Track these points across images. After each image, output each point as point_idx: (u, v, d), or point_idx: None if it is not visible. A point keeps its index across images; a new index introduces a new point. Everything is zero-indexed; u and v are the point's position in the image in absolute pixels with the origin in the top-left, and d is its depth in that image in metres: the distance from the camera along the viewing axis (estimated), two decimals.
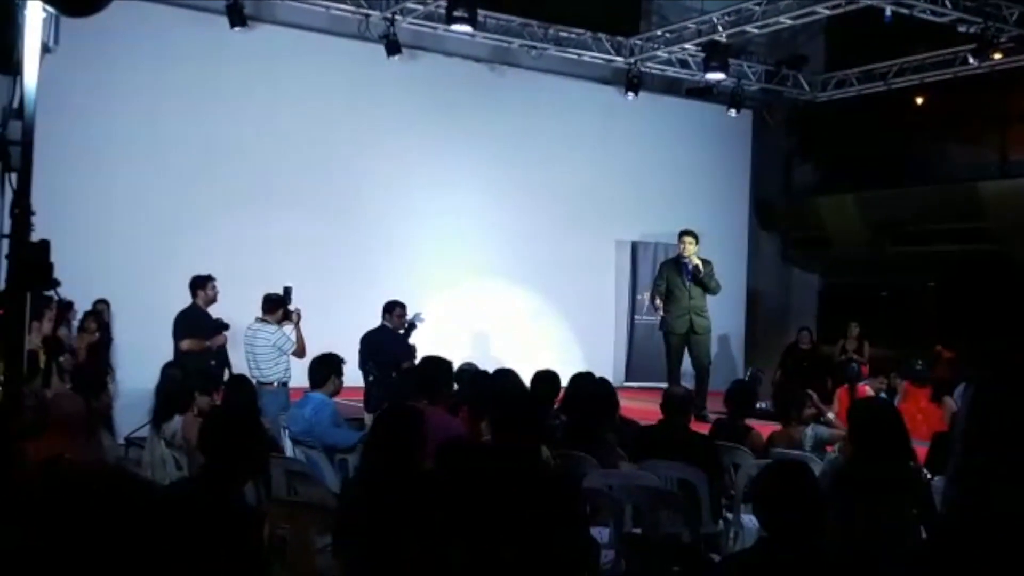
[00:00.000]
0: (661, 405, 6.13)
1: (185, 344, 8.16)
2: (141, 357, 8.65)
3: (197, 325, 8.29)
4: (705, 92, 13.97)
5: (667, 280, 9.69)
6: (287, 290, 8.06)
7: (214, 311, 8.46)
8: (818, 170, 15.59)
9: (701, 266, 9.67)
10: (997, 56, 11.43)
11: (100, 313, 9.29)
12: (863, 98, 13.88)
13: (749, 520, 5.87)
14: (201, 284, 8.44)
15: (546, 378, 6.41)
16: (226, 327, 8.36)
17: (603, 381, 6.59)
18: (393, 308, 8.78)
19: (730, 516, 5.93)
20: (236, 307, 8.54)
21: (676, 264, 9.77)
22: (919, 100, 14.62)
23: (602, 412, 6.24)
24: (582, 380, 6.40)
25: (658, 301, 9.93)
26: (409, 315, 8.90)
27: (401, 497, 3.82)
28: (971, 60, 11.36)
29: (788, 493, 2.92)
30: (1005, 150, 13.42)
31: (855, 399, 8.21)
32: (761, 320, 15.01)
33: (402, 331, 8.77)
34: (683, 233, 9.79)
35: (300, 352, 7.97)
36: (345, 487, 4.73)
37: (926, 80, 12.96)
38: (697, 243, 9.74)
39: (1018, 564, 2.82)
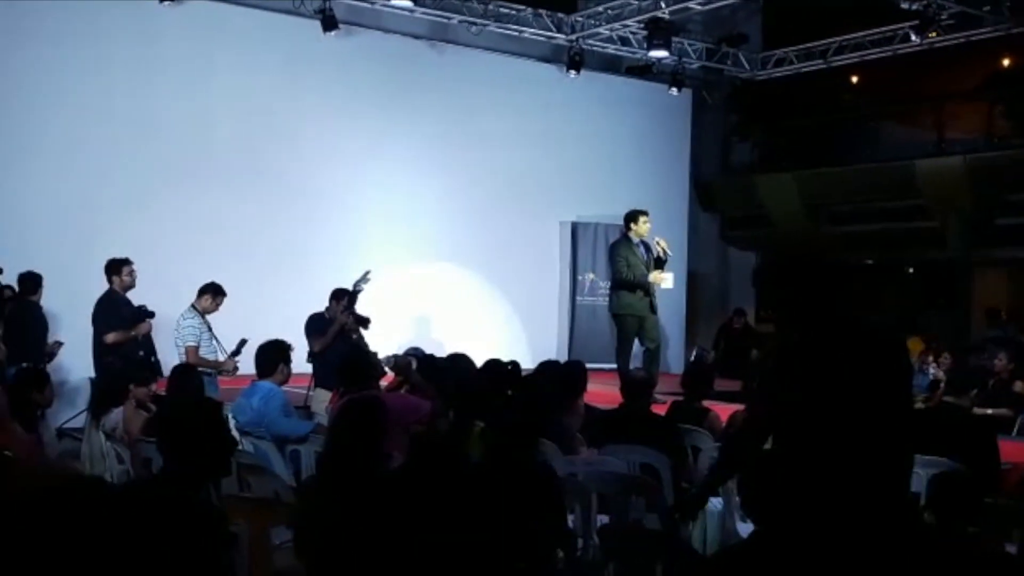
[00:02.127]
0: (621, 389, 6.03)
1: (110, 337, 7.69)
2: (70, 344, 8.31)
3: (118, 314, 7.79)
4: (645, 71, 13.90)
5: (626, 260, 9.51)
6: (242, 343, 7.47)
7: (148, 292, 8.08)
8: (757, 149, 15.68)
9: (667, 247, 9.62)
10: (933, 34, 11.52)
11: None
12: (802, 76, 13.95)
13: (712, 503, 5.81)
14: (116, 269, 7.89)
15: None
16: (150, 314, 7.88)
17: (574, 363, 6.50)
18: (338, 298, 8.48)
19: None
20: (168, 289, 8.25)
21: (630, 243, 9.61)
22: (856, 78, 14.77)
23: (561, 397, 6.14)
24: (546, 367, 6.28)
25: (654, 275, 9.64)
26: (357, 279, 8.53)
27: (368, 491, 3.65)
28: (913, 37, 11.42)
29: (777, 487, 2.79)
30: (941, 128, 13.60)
31: None
32: (700, 300, 15.04)
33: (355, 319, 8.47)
34: (642, 213, 9.64)
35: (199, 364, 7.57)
36: (306, 482, 4.51)
37: (865, 58, 13.04)
38: None
39: None
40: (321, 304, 8.55)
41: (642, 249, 9.57)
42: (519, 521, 3.61)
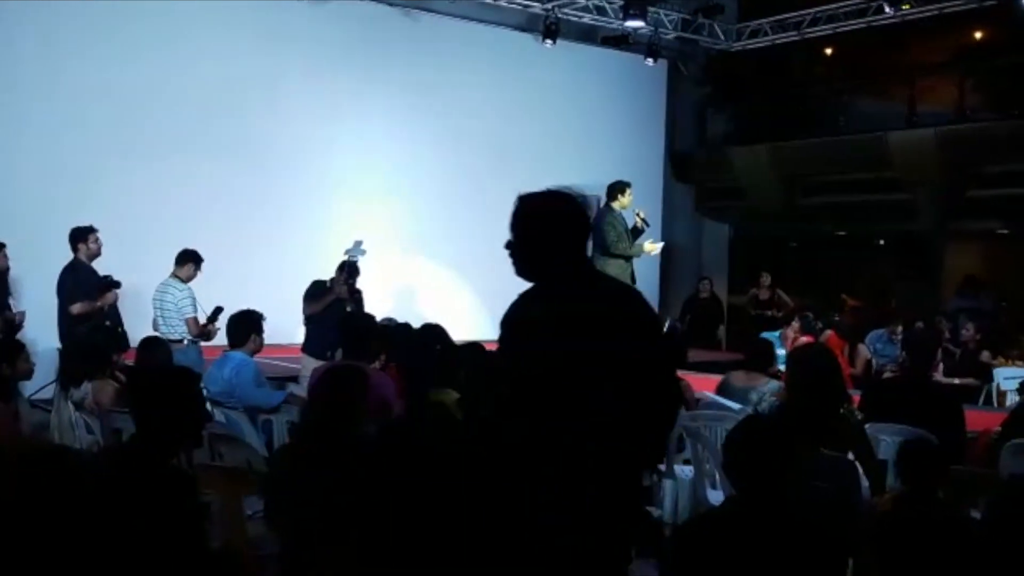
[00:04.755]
0: None
1: (76, 308, 7.60)
2: (44, 315, 8.22)
3: (83, 283, 7.69)
4: (621, 41, 13.85)
5: (615, 229, 9.57)
6: (217, 310, 7.45)
7: (115, 261, 8.00)
8: (732, 121, 15.69)
9: (646, 218, 9.70)
10: (906, 6, 11.55)
11: None
12: (776, 48, 13.95)
13: (681, 471, 5.86)
14: (82, 237, 7.77)
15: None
16: (117, 284, 7.79)
17: None
18: (342, 270, 8.47)
19: (663, 467, 5.90)
20: (135, 259, 8.19)
21: (616, 214, 9.65)
22: (830, 51, 14.80)
23: None
24: None
25: (648, 245, 9.76)
26: (351, 249, 8.50)
27: (342, 461, 3.65)
28: (887, 9, 11.44)
29: (761, 452, 2.84)
30: (913, 100, 13.66)
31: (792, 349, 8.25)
32: (674, 271, 15.09)
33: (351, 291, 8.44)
34: (627, 184, 9.70)
35: (200, 336, 7.65)
36: (278, 452, 4.50)
37: (839, 30, 13.06)
38: None
39: None
40: (297, 274, 8.53)
41: (624, 220, 9.64)
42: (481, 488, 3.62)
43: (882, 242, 17.14)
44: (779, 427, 3.01)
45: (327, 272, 8.56)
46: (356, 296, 8.50)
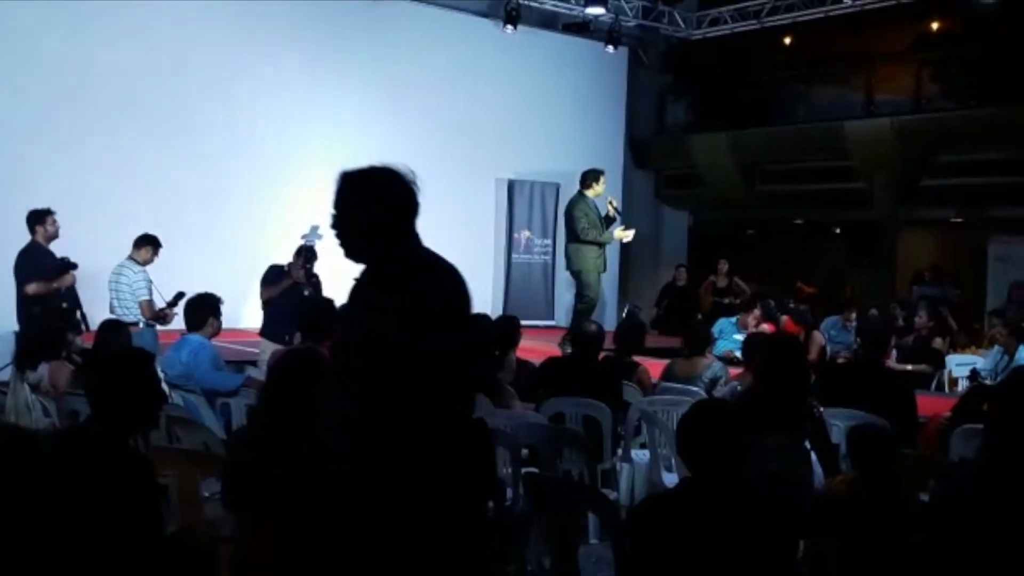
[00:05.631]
0: (572, 340, 6.14)
1: (31, 288, 7.52)
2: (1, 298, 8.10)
3: (40, 265, 7.61)
4: (582, 28, 13.87)
5: (587, 217, 9.63)
6: (178, 296, 7.30)
7: (73, 243, 7.90)
8: (691, 108, 15.79)
9: (617, 206, 9.82)
10: None
11: None
12: (736, 37, 14.04)
13: (637, 455, 5.93)
14: (40, 219, 7.69)
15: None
16: (74, 266, 7.72)
17: (509, 318, 6.60)
18: (300, 255, 8.43)
19: (620, 452, 5.96)
20: (93, 241, 8.12)
21: (588, 201, 9.71)
22: (788, 40, 14.92)
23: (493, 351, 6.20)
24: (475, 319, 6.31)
25: (619, 232, 9.91)
26: (307, 232, 8.48)
27: (299, 443, 3.64)
28: None
29: (715, 433, 2.88)
30: (870, 90, 13.82)
31: (760, 334, 8.38)
32: (633, 257, 15.17)
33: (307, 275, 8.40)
34: (601, 172, 9.82)
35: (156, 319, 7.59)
36: (236, 434, 4.48)
37: (798, 20, 13.16)
38: None
39: None
40: (257, 258, 8.47)
41: (596, 208, 9.75)
42: (450, 472, 3.64)
43: (838, 230, 17.37)
44: (731, 411, 3.06)
45: (288, 257, 8.52)
46: (314, 280, 8.46)
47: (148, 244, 7.71)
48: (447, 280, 2.90)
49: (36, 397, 5.46)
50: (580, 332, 6.23)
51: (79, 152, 10.04)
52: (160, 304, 7.57)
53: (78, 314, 8.02)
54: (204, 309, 6.11)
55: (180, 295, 7.28)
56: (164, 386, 5.92)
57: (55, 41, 10.05)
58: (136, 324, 7.51)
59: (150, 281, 7.64)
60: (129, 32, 10.45)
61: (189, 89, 10.82)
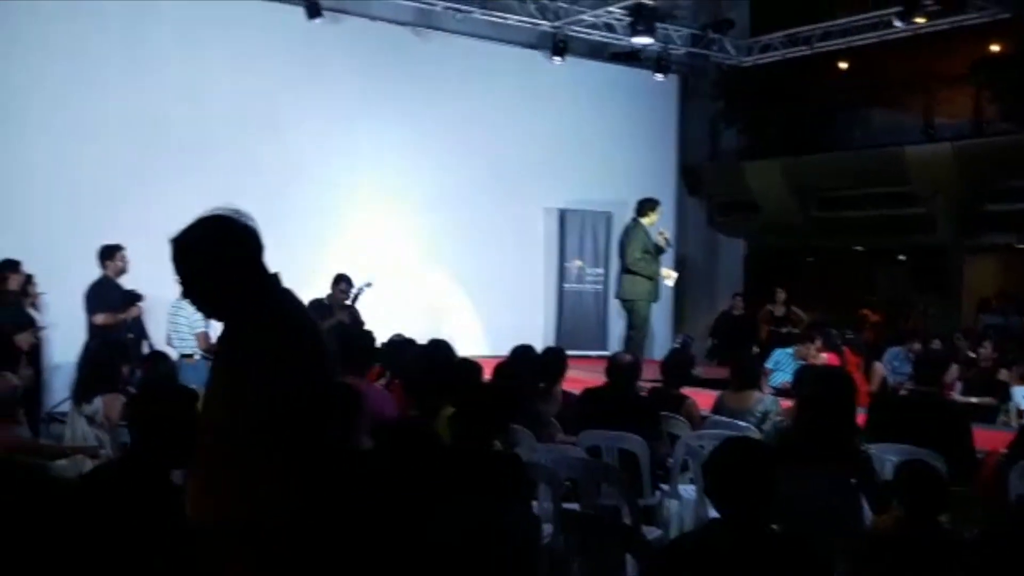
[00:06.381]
0: (606, 370, 6.05)
1: (99, 319, 7.90)
2: (68, 331, 8.30)
3: (108, 297, 7.98)
4: (632, 57, 13.83)
5: (643, 246, 9.58)
6: None
7: (141, 277, 8.07)
8: (744, 135, 15.62)
9: (669, 239, 9.90)
10: (921, 20, 11.45)
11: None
12: (788, 62, 13.87)
13: (686, 491, 5.79)
14: (110, 254, 8.10)
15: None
16: (139, 298, 8.01)
17: (554, 350, 6.57)
18: (338, 282, 8.50)
19: (666, 487, 5.83)
20: (169, 275, 8.17)
21: (644, 231, 9.68)
22: (843, 65, 14.71)
23: (537, 383, 6.14)
24: (517, 352, 6.28)
25: (664, 272, 9.88)
26: (359, 283, 8.60)
27: (335, 475, 3.61)
28: (896, 23, 11.36)
29: (742, 474, 2.78)
30: (929, 114, 13.55)
31: (812, 367, 8.15)
32: (688, 286, 15.01)
33: (343, 305, 8.46)
34: (657, 202, 9.80)
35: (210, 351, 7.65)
36: None
37: (851, 44, 12.97)
38: None
39: None
40: (308, 289, 8.48)
41: (650, 237, 9.73)
42: (483, 505, 3.59)
43: (902, 257, 17.00)
44: (759, 450, 2.94)
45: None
46: (351, 312, 8.53)
47: None
48: (292, 324, 2.74)
49: (92, 429, 5.54)
50: (614, 362, 6.14)
51: (142, 188, 10.23)
52: (214, 338, 7.64)
53: (145, 346, 8.23)
54: None
55: None
56: None
57: (126, 82, 10.31)
58: (191, 356, 7.63)
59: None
60: (184, 72, 10.66)
61: (244, 127, 10.98)
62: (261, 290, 2.71)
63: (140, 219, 9.68)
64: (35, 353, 8.03)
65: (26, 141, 9.81)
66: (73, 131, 9.98)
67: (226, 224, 2.77)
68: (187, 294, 2.71)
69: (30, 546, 2.59)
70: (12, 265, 8.17)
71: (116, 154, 10.15)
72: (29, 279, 8.34)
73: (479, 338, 11.80)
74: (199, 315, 7.52)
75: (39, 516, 2.19)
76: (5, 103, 9.72)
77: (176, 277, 2.67)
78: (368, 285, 8.51)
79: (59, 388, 7.92)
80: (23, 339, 7.94)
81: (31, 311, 8.33)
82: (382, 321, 10.25)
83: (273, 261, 10.10)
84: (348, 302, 8.38)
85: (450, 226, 12.32)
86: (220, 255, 2.69)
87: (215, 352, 2.75)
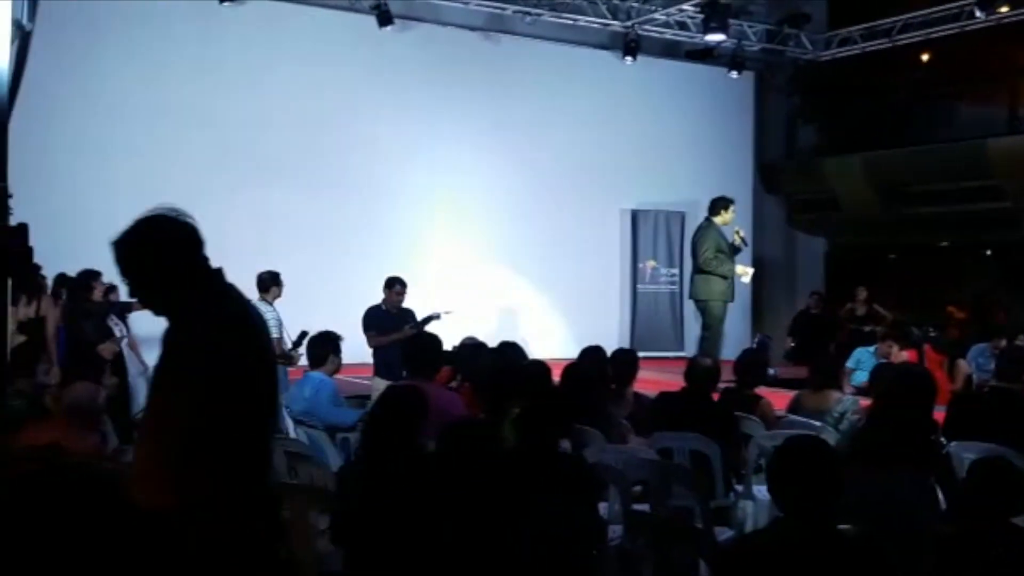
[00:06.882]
0: (685, 374, 6.04)
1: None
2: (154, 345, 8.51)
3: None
4: (705, 54, 13.74)
5: (716, 246, 9.53)
6: (302, 335, 7.49)
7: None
8: (823, 131, 15.37)
9: (744, 237, 9.83)
10: (1004, 9, 11.17)
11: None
12: (867, 56, 13.62)
13: (760, 492, 5.75)
14: None
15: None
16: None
17: (626, 351, 6.62)
18: (392, 285, 8.50)
19: (740, 488, 5.80)
20: (240, 285, 8.40)
21: (717, 230, 9.62)
22: (925, 57, 14.38)
23: (608, 385, 6.17)
24: (587, 354, 6.31)
25: (740, 268, 9.80)
26: (437, 309, 8.54)
27: (403, 480, 3.70)
28: (977, 14, 11.09)
29: (805, 473, 2.78)
30: (1014, 105, 13.17)
31: (890, 365, 8.01)
32: (767, 285, 14.84)
33: (396, 310, 8.46)
34: (731, 201, 9.72)
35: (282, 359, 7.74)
36: (344, 470, 4.59)
37: (931, 36, 12.69)
38: None
39: None
40: (378, 295, 8.62)
41: (724, 236, 9.65)
42: (548, 507, 3.63)
43: (989, 252, 16.54)
44: (823, 449, 2.92)
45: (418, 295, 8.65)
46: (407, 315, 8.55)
47: (274, 283, 8.00)
48: (228, 315, 2.86)
49: None
50: (693, 366, 6.12)
51: (213, 197, 10.39)
52: (287, 344, 7.81)
53: None
54: (325, 346, 6.27)
55: (304, 335, 7.44)
56: (288, 422, 6.16)
57: (202, 104, 10.65)
58: None
59: (280, 321, 7.91)
60: (256, 82, 10.98)
61: (315, 134, 11.24)
62: (201, 284, 2.81)
63: (206, 228, 10.00)
64: (119, 362, 8.17)
65: (111, 163, 10.17)
66: (156, 153, 10.33)
67: (164, 222, 2.83)
68: (133, 292, 2.79)
69: (102, 551, 2.69)
70: (95, 275, 8.23)
71: (197, 174, 10.41)
72: (112, 289, 8.48)
73: (554, 340, 11.84)
74: (273, 321, 7.76)
75: (112, 522, 2.28)
76: (93, 127, 10.10)
77: (121, 277, 2.75)
78: (437, 317, 8.43)
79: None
80: (106, 348, 8.14)
81: (110, 322, 8.45)
82: (457, 322, 10.42)
83: (343, 267, 10.34)
84: (411, 327, 8.25)
85: (524, 229, 12.39)
86: (159, 253, 2.76)
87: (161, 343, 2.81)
